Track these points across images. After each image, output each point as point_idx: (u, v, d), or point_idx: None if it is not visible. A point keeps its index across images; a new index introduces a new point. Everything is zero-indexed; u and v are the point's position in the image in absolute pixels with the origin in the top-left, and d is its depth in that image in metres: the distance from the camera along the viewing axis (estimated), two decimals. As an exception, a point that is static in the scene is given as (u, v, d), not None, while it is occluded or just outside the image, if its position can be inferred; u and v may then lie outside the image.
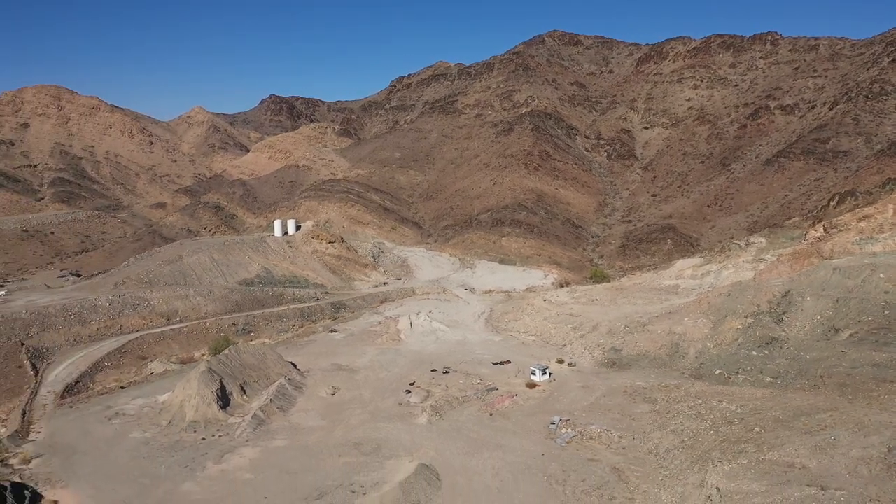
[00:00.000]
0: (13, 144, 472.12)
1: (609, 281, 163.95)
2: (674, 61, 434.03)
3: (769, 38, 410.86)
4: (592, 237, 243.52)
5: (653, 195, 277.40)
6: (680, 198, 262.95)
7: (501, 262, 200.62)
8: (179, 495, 64.88)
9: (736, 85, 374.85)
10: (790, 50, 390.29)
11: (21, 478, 67.44)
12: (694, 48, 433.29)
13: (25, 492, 63.32)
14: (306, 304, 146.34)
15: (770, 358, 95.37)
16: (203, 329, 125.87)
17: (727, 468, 61.40)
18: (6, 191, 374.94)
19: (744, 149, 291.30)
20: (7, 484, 62.96)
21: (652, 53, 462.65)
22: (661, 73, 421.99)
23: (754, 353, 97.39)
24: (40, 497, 63.70)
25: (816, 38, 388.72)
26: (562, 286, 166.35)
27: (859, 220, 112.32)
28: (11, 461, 72.86)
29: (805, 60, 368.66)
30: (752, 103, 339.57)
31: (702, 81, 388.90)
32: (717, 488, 58.17)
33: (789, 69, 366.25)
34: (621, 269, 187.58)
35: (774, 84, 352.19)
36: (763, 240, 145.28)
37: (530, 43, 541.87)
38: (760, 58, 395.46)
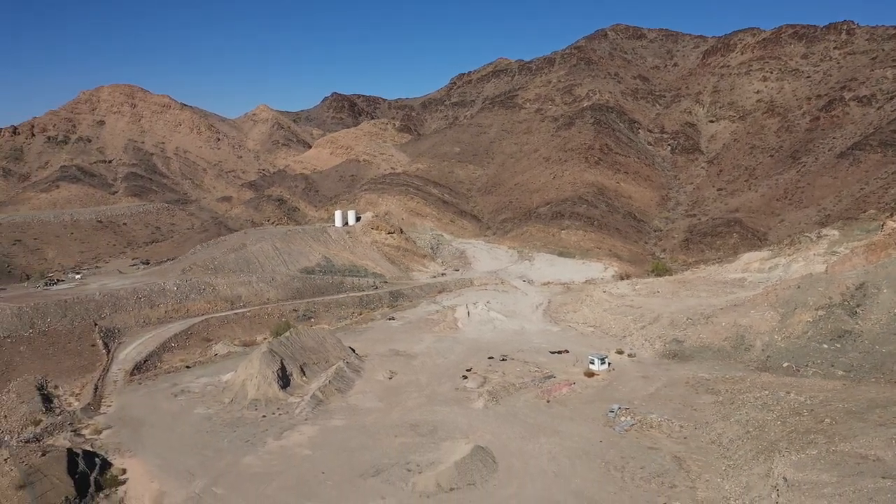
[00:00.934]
0: (90, 141, 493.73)
1: (671, 274, 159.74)
2: (742, 53, 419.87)
3: (844, 27, 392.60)
4: (654, 231, 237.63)
5: (718, 189, 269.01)
6: (747, 192, 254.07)
7: (560, 254, 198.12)
8: (240, 467, 66.47)
9: (808, 76, 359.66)
10: (867, 39, 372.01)
11: (92, 447, 70.34)
12: (763, 39, 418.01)
13: (96, 459, 66.04)
14: (365, 293, 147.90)
15: (842, 351, 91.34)
16: (265, 314, 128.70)
17: (795, 458, 59.05)
18: (83, 185, 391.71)
19: (816, 142, 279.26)
20: (80, 451, 65.70)
21: (719, 46, 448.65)
22: (728, 66, 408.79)
23: (825, 346, 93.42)
24: (109, 464, 66.27)
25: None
26: (622, 279, 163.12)
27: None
28: (84, 431, 76.12)
29: (883, 50, 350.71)
30: (826, 95, 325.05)
31: (772, 73, 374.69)
32: (785, 478, 55.99)
33: (866, 59, 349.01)
34: (684, 263, 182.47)
35: (850, 75, 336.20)
36: (836, 232, 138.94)
37: (592, 37, 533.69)
38: (835, 48, 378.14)
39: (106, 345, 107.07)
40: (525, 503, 59.08)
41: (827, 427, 64.16)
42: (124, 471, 65.23)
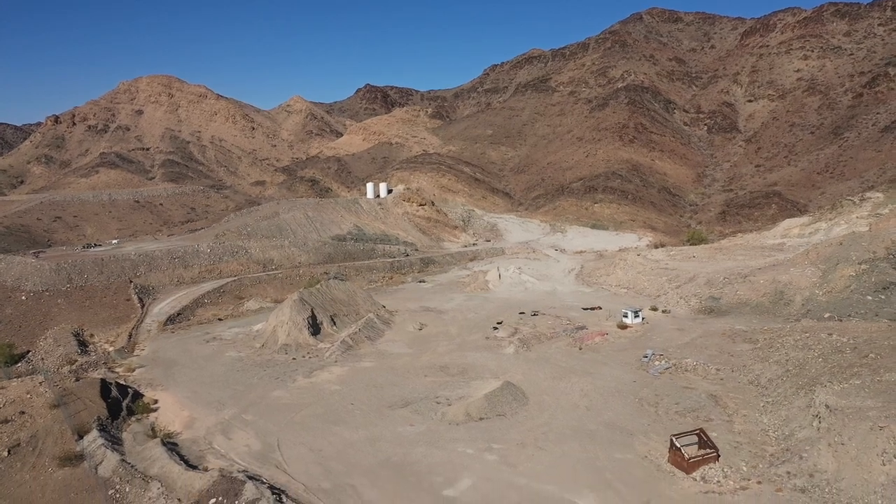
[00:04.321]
0: (129, 129, 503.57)
1: (707, 243, 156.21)
2: (782, 33, 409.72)
3: (889, 3, 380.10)
4: (690, 205, 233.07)
5: (756, 166, 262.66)
6: (786, 167, 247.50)
7: (593, 227, 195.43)
8: (270, 399, 66.52)
9: (851, 54, 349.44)
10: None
11: (125, 381, 71.05)
12: (804, 18, 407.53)
13: (128, 390, 66.66)
14: (396, 259, 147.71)
15: (887, 302, 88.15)
16: (297, 276, 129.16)
17: (837, 388, 56.96)
18: (122, 170, 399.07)
19: (859, 117, 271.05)
20: (112, 382, 66.42)
21: (758, 26, 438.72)
22: (767, 46, 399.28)
23: (869, 297, 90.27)
24: (141, 395, 66.82)
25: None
26: (656, 248, 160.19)
27: None
28: (117, 369, 76.99)
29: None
30: (870, 71, 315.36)
31: (812, 52, 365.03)
32: (827, 405, 53.94)
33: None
34: (721, 234, 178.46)
35: (894, 51, 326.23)
36: (880, 195, 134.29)
37: (627, 21, 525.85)
38: (879, 24, 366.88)
39: (140, 300, 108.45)
40: (556, 431, 57.92)
41: (871, 361, 61.74)
42: (156, 401, 65.81)
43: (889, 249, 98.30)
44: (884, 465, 45.34)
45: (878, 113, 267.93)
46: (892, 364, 59.58)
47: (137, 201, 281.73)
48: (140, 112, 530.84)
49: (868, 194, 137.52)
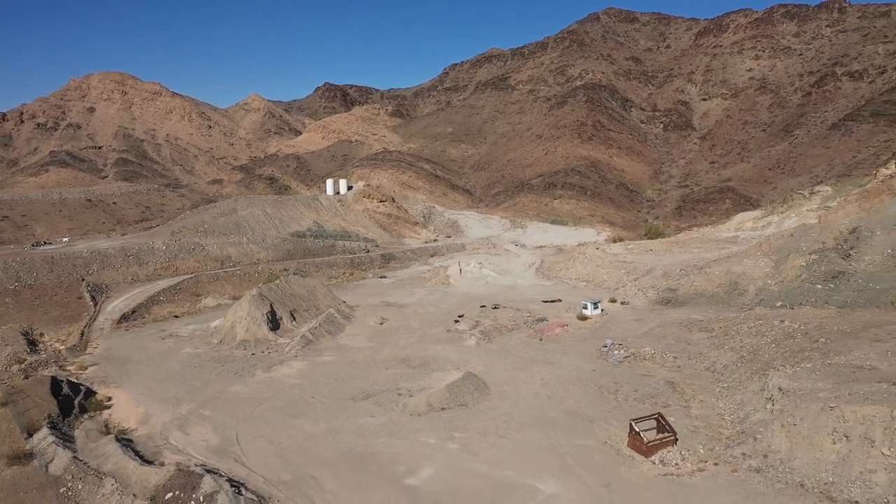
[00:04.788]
0: (80, 127, 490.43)
1: (664, 237, 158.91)
2: (734, 33, 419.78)
3: (836, 5, 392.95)
4: (647, 201, 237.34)
5: (711, 162, 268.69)
6: (739, 164, 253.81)
7: (553, 222, 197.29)
8: (228, 394, 65.41)
9: (800, 54, 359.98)
10: (859, 17, 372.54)
11: (77, 380, 69.04)
12: (756, 19, 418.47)
13: (80, 387, 64.89)
14: (356, 255, 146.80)
15: (836, 290, 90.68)
16: (255, 273, 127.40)
17: (790, 371, 58.37)
18: (73, 169, 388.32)
19: (808, 115, 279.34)
20: (64, 379, 64.55)
21: (711, 27, 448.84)
22: (720, 46, 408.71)
23: (819, 286, 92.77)
24: (94, 393, 65.06)
25: (888, 4, 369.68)
26: (615, 242, 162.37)
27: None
28: (69, 368, 74.83)
29: (875, 27, 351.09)
30: (818, 71, 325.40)
31: (764, 52, 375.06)
32: (780, 388, 55.21)
33: (858, 36, 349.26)
34: (677, 228, 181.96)
35: (841, 51, 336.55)
36: (829, 188, 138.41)
37: (585, 21, 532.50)
38: (827, 26, 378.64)
39: (93, 298, 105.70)
40: (517, 419, 58.16)
41: (822, 345, 63.49)
42: (110, 398, 64.09)
43: (837, 240, 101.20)
44: (834, 443, 46.65)
45: (826, 111, 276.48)
46: (841, 348, 61.36)
47: (90, 200, 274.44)
48: (92, 110, 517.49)
49: (817, 188, 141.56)
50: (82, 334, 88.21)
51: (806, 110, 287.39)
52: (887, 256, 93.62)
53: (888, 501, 41.67)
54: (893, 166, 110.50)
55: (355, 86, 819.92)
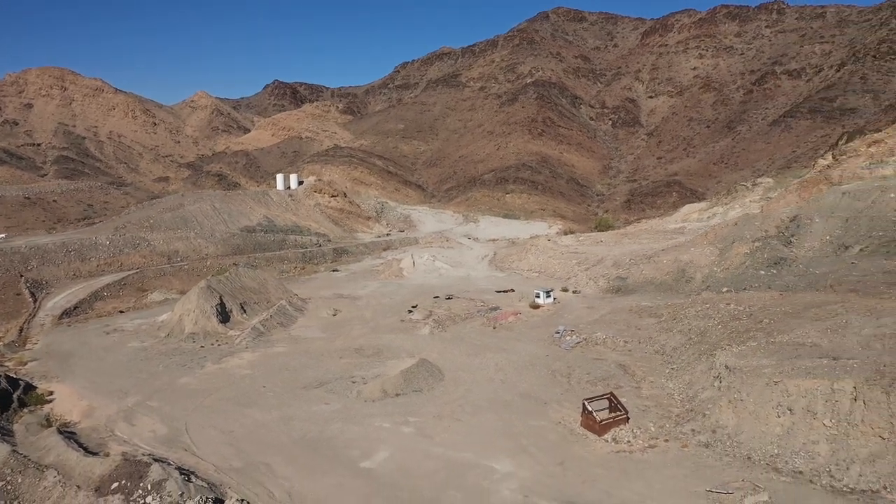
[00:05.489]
0: (17, 124, 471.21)
1: (614, 229, 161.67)
2: (679, 33, 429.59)
3: (775, 7, 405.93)
4: (597, 195, 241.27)
5: (658, 157, 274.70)
6: (686, 159, 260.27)
7: (505, 216, 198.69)
8: (177, 386, 63.78)
9: (742, 53, 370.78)
10: (796, 18, 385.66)
11: (16, 374, 66.39)
12: (699, 19, 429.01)
13: (20, 382, 62.41)
14: (308, 249, 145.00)
15: (778, 276, 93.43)
16: (204, 267, 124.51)
17: (736, 350, 60.01)
18: (9, 167, 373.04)
19: (749, 112, 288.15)
20: (1, 375, 62.03)
21: (657, 26, 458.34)
22: (666, 45, 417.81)
23: (762, 272, 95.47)
24: (34, 388, 62.66)
25: (823, 6, 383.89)
26: (566, 234, 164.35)
27: (868, 145, 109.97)
28: (7, 363, 71.88)
29: (812, 28, 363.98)
30: (759, 70, 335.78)
31: (707, 51, 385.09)
32: (726, 366, 56.71)
33: (795, 36, 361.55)
34: (626, 221, 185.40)
35: (781, 51, 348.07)
36: (770, 180, 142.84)
37: (534, 19, 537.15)
38: (766, 27, 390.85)
39: (33, 294, 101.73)
40: (472, 403, 58.29)
41: (766, 325, 65.43)
42: (51, 392, 61.75)
43: (779, 228, 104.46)
44: (779, 416, 48.12)
45: (766, 108, 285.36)
46: (784, 327, 63.34)
47: (28, 198, 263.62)
48: (29, 106, 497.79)
49: (759, 180, 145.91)
50: (21, 330, 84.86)
51: (748, 107, 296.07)
52: (826, 242, 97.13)
53: (830, 471, 43.06)
54: (830, 157, 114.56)
55: (305, 83, 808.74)
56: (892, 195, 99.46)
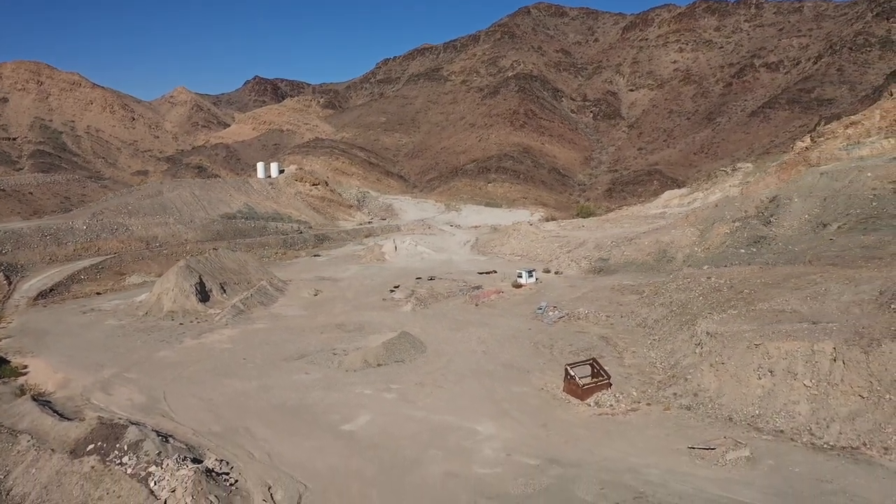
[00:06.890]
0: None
1: (596, 216, 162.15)
2: (659, 27, 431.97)
3: (753, 2, 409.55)
4: (579, 185, 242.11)
5: (639, 149, 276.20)
6: (666, 149, 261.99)
7: (487, 204, 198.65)
8: (155, 359, 62.92)
9: (721, 47, 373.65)
10: (774, 13, 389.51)
11: (-10, 351, 65.11)
12: (679, 14, 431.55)
13: (-7, 356, 61.16)
14: (289, 235, 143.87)
15: (758, 254, 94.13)
16: (184, 252, 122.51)
17: (717, 318, 60.33)
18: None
19: (729, 104, 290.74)
20: (-26, 349, 60.73)
21: (637, 21, 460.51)
22: (646, 39, 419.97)
23: (742, 250, 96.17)
24: (7, 361, 61.44)
25: (801, 1, 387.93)
26: (548, 221, 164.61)
27: (846, 127, 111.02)
28: (-20, 342, 70.43)
29: (789, 22, 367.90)
30: (738, 63, 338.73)
31: (687, 45, 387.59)
32: (707, 332, 57.00)
33: (774, 31, 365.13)
34: (608, 209, 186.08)
35: (759, 45, 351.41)
36: (750, 165, 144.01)
37: (515, 14, 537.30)
38: (745, 21, 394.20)
39: (7, 277, 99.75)
40: (454, 372, 58.05)
41: (746, 295, 65.77)
42: (25, 366, 60.65)
43: (759, 208, 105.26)
44: (759, 378, 48.40)
45: (745, 100, 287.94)
46: (764, 296, 63.73)
47: (3, 189, 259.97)
48: (5, 100, 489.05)
49: (739, 165, 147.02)
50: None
51: (727, 99, 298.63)
52: (804, 221, 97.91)
53: (810, 429, 43.36)
54: (809, 140, 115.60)
55: (286, 80, 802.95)
56: (869, 174, 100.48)
